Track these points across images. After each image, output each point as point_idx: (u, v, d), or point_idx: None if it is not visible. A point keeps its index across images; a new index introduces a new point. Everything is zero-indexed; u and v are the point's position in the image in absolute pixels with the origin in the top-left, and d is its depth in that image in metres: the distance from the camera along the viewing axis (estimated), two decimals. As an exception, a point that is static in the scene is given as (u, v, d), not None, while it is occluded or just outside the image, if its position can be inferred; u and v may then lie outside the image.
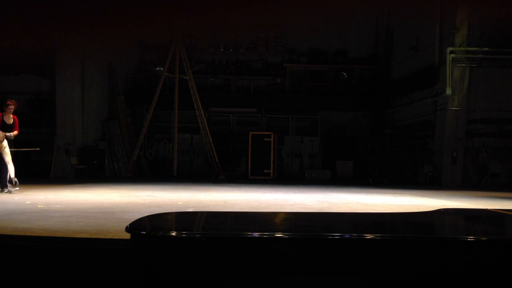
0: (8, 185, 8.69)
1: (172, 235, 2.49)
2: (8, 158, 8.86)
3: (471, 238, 2.47)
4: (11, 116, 9.24)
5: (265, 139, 17.76)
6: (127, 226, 2.55)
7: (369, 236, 2.46)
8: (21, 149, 9.88)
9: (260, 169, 17.44)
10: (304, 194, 9.27)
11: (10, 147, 9.13)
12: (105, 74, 18.18)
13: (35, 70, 15.98)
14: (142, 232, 2.57)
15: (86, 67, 16.42)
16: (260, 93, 19.95)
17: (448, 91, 14.42)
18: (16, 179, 8.65)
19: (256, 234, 2.46)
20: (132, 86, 19.79)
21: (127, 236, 2.49)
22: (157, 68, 18.68)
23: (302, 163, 19.93)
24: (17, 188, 8.57)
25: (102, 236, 3.51)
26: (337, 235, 2.47)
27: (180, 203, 6.93)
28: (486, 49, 14.34)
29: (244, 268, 2.35)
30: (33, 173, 15.08)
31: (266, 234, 2.51)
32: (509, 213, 4.03)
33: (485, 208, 6.35)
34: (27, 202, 6.47)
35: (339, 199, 8.22)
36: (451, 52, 14.43)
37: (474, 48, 14.46)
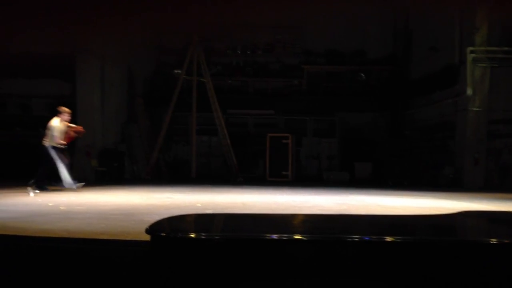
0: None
1: (192, 237, 2.50)
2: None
3: (493, 241, 2.43)
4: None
5: (283, 141, 17.73)
6: (146, 228, 2.57)
7: (389, 239, 2.43)
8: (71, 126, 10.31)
9: (278, 171, 17.41)
10: (322, 196, 9.22)
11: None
12: (124, 77, 18.37)
13: (56, 74, 16.25)
14: (162, 234, 2.58)
15: (106, 71, 16.62)
16: (277, 94, 19.94)
17: (469, 92, 14.21)
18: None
19: (274, 236, 2.46)
20: (151, 88, 19.96)
21: (147, 237, 2.51)
22: (175, 71, 18.80)
23: (320, 164, 19.83)
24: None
25: (123, 238, 3.56)
26: (356, 237, 2.45)
27: (199, 205, 6.97)
28: (507, 48, 14.09)
29: (262, 270, 2.35)
30: (54, 175, 15.29)
31: (284, 236, 2.50)
32: (532, 215, 3.94)
33: (508, 210, 6.24)
34: (49, 204, 6.58)
35: (358, 201, 8.16)
36: (472, 52, 14.21)
37: (495, 48, 14.22)
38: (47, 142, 9.69)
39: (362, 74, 19.79)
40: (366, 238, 2.44)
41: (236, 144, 17.97)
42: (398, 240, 2.42)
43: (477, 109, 14.31)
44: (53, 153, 9.61)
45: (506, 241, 2.47)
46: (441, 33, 16.25)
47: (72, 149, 15.74)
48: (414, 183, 15.59)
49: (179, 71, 17.66)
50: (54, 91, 16.40)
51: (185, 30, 15.30)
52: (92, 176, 15.24)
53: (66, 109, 10.12)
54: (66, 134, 9.94)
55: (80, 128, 10.36)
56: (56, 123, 9.81)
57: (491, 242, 2.41)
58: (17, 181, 11.35)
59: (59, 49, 14.71)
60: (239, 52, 20.67)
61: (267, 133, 18.12)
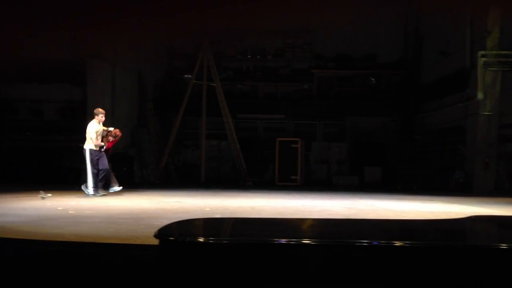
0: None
1: (200, 241, 2.50)
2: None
3: (503, 246, 2.40)
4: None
5: (292, 145, 17.69)
6: (155, 232, 2.58)
7: (398, 244, 2.42)
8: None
9: (287, 175, 17.37)
10: (332, 201, 9.19)
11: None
12: (135, 82, 18.49)
13: (67, 78, 16.39)
14: (171, 238, 2.59)
15: (117, 75, 16.75)
16: (287, 99, 19.94)
17: (480, 96, 14.10)
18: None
19: (283, 241, 2.46)
20: (161, 93, 20.06)
21: (156, 242, 2.52)
22: (185, 76, 18.88)
23: (329, 169, 19.77)
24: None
25: (132, 242, 3.57)
26: (365, 242, 2.44)
27: (208, 209, 6.98)
28: (518, 52, 13.97)
29: (271, 274, 2.35)
30: (65, 179, 15.41)
31: (293, 240, 2.50)
32: (544, 220, 3.90)
33: (519, 215, 6.17)
34: (59, 208, 6.63)
35: (367, 205, 8.12)
36: (483, 56, 14.10)
37: (506, 52, 14.11)
38: (85, 145, 9.68)
39: (373, 79, 19.72)
40: (375, 243, 2.43)
41: (245, 148, 17.97)
42: (408, 245, 2.41)
43: (488, 113, 14.19)
44: (88, 156, 9.53)
45: (516, 246, 2.44)
46: (452, 37, 16.16)
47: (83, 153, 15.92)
48: (424, 188, 15.48)
49: (189, 76, 17.72)
50: (65, 96, 16.55)
51: (196, 35, 15.36)
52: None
53: (101, 110, 10.02)
54: (106, 137, 9.92)
55: (116, 131, 10.18)
56: (92, 125, 9.72)
57: (501, 247, 2.39)
58: (28, 185, 11.45)
59: (70, 54, 14.85)
60: (249, 56, 20.72)
61: (277, 138, 18.10)
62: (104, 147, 9.84)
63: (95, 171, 9.51)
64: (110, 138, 10.05)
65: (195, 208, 7.14)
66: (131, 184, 15.63)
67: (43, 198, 8.41)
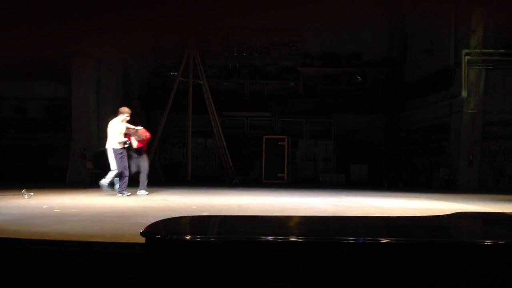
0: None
1: (187, 239, 2.49)
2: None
3: (488, 242, 2.43)
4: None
5: (279, 143, 17.74)
6: (141, 230, 2.56)
7: (384, 240, 2.44)
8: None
9: (274, 173, 17.41)
10: (318, 198, 9.23)
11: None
12: (120, 79, 18.35)
13: (51, 76, 16.20)
14: (157, 236, 2.58)
15: (102, 73, 16.59)
16: (274, 97, 19.96)
17: (464, 94, 14.27)
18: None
19: (270, 238, 2.46)
20: (147, 91, 19.94)
21: (142, 240, 2.50)
22: (171, 73, 18.80)
23: (316, 166, 19.86)
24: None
25: (117, 240, 3.54)
26: (351, 239, 2.46)
27: (195, 207, 6.96)
28: (502, 51, 14.16)
29: (258, 272, 2.35)
30: (49, 177, 15.26)
31: (280, 238, 2.50)
32: (527, 216, 3.96)
33: (502, 211, 6.26)
34: (44, 207, 6.55)
35: (354, 202, 8.17)
36: (467, 54, 14.28)
37: (490, 50, 14.29)
38: (107, 144, 9.32)
39: (358, 77, 19.84)
40: (361, 240, 2.44)
41: (232, 146, 17.96)
42: (393, 242, 2.43)
43: (472, 111, 14.37)
44: (112, 156, 9.16)
45: (500, 242, 2.47)
46: (436, 35, 16.32)
47: (67, 151, 15.77)
48: (410, 185, 15.63)
49: (175, 73, 17.65)
50: (50, 93, 16.36)
51: (182, 33, 15.28)
52: (87, 178, 15.19)
53: (126, 109, 9.63)
54: (138, 136, 9.56)
55: (142, 132, 9.66)
56: (115, 123, 9.36)
57: (486, 243, 2.42)
58: (12, 184, 11.31)
59: (54, 51, 14.68)
60: (236, 54, 20.69)
61: (263, 135, 18.13)
62: (132, 145, 9.50)
63: (121, 170, 9.14)
64: (136, 138, 9.61)
65: (181, 206, 7.12)
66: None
67: (25, 197, 8.27)
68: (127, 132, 9.50)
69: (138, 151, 9.74)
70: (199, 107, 17.23)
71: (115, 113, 18.36)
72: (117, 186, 9.25)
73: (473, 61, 14.29)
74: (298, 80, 20.23)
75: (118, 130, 9.28)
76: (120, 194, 9.05)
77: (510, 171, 14.49)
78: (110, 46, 15.63)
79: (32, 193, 8.28)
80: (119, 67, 18.08)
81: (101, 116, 16.61)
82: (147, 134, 9.82)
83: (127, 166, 9.31)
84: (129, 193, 9.15)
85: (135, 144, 9.60)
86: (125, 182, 9.22)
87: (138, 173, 9.75)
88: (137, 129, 9.62)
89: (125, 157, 9.32)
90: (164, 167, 19.01)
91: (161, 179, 17.78)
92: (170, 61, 19.89)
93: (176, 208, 6.59)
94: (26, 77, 16.08)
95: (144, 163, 9.74)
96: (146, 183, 9.62)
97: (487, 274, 2.29)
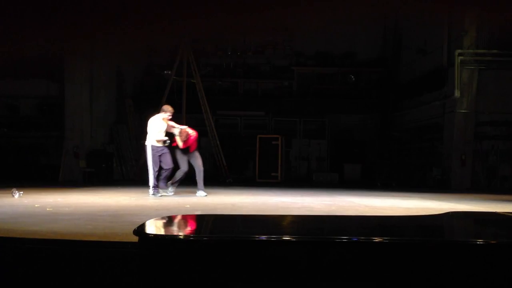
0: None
1: (180, 238, 2.49)
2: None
3: (480, 241, 2.45)
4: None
5: (273, 142, 17.74)
6: (135, 229, 2.55)
7: (377, 240, 2.45)
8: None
9: (267, 172, 17.42)
10: (312, 197, 9.24)
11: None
12: (113, 78, 18.29)
13: (44, 74, 16.14)
14: (150, 235, 2.57)
15: (95, 71, 16.54)
16: (268, 96, 19.97)
17: (457, 94, 14.34)
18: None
19: (263, 237, 2.46)
20: (140, 89, 19.88)
21: (135, 239, 2.49)
22: (165, 72, 18.74)
23: (309, 166, 19.89)
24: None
25: (111, 239, 3.53)
26: (345, 238, 2.46)
27: (188, 206, 6.95)
28: (495, 51, 14.25)
29: (251, 271, 2.35)
30: (42, 176, 15.19)
31: (273, 237, 2.50)
32: (519, 216, 3.99)
33: (494, 211, 6.30)
34: (36, 205, 6.52)
35: (347, 202, 8.19)
36: (460, 54, 14.35)
37: (483, 51, 14.37)
38: (146, 141, 8.99)
39: (352, 76, 19.89)
40: (355, 239, 2.45)
41: (226, 145, 17.95)
42: (386, 241, 2.44)
43: (465, 111, 14.45)
44: (149, 153, 8.82)
45: (492, 241, 2.49)
46: (430, 35, 16.39)
47: (60, 150, 15.70)
48: (403, 184, 15.69)
49: (169, 72, 17.60)
50: (42, 91, 16.30)
51: (176, 31, 15.25)
52: (80, 177, 15.14)
53: (170, 108, 9.26)
54: (181, 136, 9.00)
55: (184, 131, 9.05)
56: (155, 120, 9.00)
57: (478, 242, 2.43)
58: (4, 182, 11.24)
59: (47, 50, 14.59)
60: (230, 53, 20.66)
61: (257, 135, 18.12)
62: (178, 145, 9.05)
63: (156, 169, 8.79)
64: (178, 139, 9.06)
65: (175, 205, 7.11)
66: (110, 181, 15.49)
67: (14, 196, 8.15)
68: (169, 131, 9.10)
69: (186, 150, 9.20)
70: (193, 106, 17.20)
71: (108, 112, 18.36)
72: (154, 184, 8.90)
73: (466, 61, 14.38)
74: (292, 79, 20.25)
75: (157, 128, 8.89)
76: (152, 194, 8.75)
77: (502, 171, 14.60)
78: (103, 44, 15.56)
79: (21, 192, 8.19)
80: (112, 65, 18.01)
81: (94, 114, 16.56)
82: (191, 134, 9.15)
83: (170, 162, 8.93)
84: (161, 194, 8.73)
85: (180, 143, 9.05)
86: (162, 182, 8.90)
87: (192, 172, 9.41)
88: (180, 128, 9.13)
89: (166, 155, 8.93)
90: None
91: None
92: (163, 59, 19.82)
93: (170, 207, 6.58)
94: (18, 75, 16.00)
95: (196, 162, 9.29)
96: (161, 183, 9.11)
97: (479, 273, 2.30)
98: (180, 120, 17.52)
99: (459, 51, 14.36)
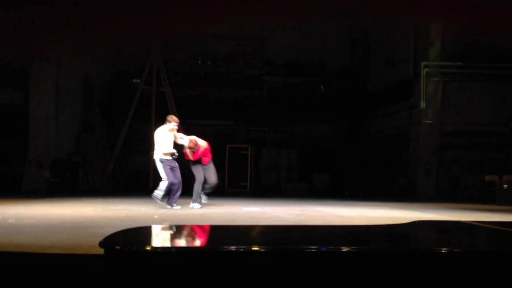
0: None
1: (148, 250, 2.45)
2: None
3: (444, 249, 2.50)
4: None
5: (242, 152, 17.74)
6: (100, 241, 2.49)
7: (345, 249, 2.46)
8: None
9: (237, 182, 17.38)
10: (281, 207, 9.26)
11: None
12: (80, 85, 17.94)
13: (7, 81, 15.71)
14: (117, 247, 2.52)
15: (61, 79, 16.19)
16: (238, 105, 19.99)
17: (422, 105, 14.69)
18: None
19: (232, 248, 2.44)
20: (108, 98, 19.58)
21: (101, 251, 2.43)
22: (134, 80, 18.54)
23: (279, 175, 19.95)
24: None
25: (75, 252, 3.44)
26: (314, 248, 2.47)
27: (156, 216, 6.85)
28: (459, 63, 14.68)
29: (221, 282, 2.32)
30: (4, 186, 14.72)
31: (242, 247, 2.49)
32: (481, 224, 4.10)
33: (458, 220, 6.45)
34: (-2, 217, 6.30)
35: (316, 211, 8.24)
36: (425, 66, 14.73)
37: (448, 63, 14.80)
38: (155, 155, 8.52)
39: (322, 86, 20.14)
40: (323, 249, 2.46)
41: (195, 154, 17.79)
42: (354, 250, 2.46)
43: (430, 121, 14.80)
44: (160, 167, 8.40)
45: (456, 250, 2.54)
46: (397, 47, 16.78)
47: (23, 159, 15.25)
48: (370, 193, 15.91)
49: (138, 81, 17.43)
50: (5, 99, 15.85)
51: (145, 39, 15.12)
52: (44, 187, 14.73)
53: (175, 118, 8.70)
54: (189, 148, 8.50)
55: (192, 141, 8.52)
56: (160, 132, 8.51)
57: (442, 251, 2.48)
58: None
59: (11, 56, 14.23)
60: (200, 62, 20.63)
61: (227, 144, 18.09)
62: (188, 157, 8.62)
63: (171, 180, 8.34)
64: (188, 151, 8.56)
65: (143, 215, 6.99)
66: (76, 191, 15.14)
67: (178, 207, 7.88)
68: (177, 142, 8.68)
69: (198, 162, 8.73)
70: (162, 115, 16.97)
71: (74, 121, 18.00)
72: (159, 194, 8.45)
73: (431, 73, 14.76)
74: (262, 89, 20.34)
75: (164, 140, 8.46)
76: (170, 206, 8.34)
77: (465, 180, 14.99)
78: (70, 51, 15.28)
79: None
80: (79, 73, 17.68)
81: (60, 123, 16.18)
82: (199, 143, 8.63)
83: (179, 176, 8.52)
84: (179, 206, 8.37)
85: (190, 155, 8.61)
86: (177, 193, 8.45)
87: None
88: (189, 139, 8.63)
89: (177, 168, 8.56)
90: (125, 176, 18.66)
91: (121, 188, 17.45)
92: (132, 67, 19.61)
93: (137, 218, 6.46)
94: (-20, 82, 15.55)
95: (209, 178, 8.80)
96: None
97: (443, 281, 2.34)
98: (149, 130, 17.38)
99: (424, 63, 14.74)
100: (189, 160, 8.82)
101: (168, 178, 8.33)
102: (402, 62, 16.27)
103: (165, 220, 6.28)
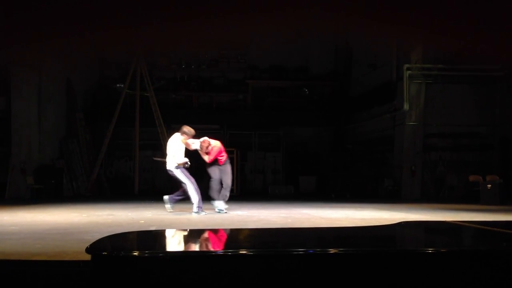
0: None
1: (134, 255, 2.43)
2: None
3: (430, 250, 2.53)
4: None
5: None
6: (87, 247, 2.47)
7: (332, 251, 2.48)
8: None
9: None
10: (268, 210, 9.26)
11: None
12: (63, 91, 17.74)
13: (-12, 87, 15.47)
14: (103, 253, 2.50)
15: (43, 84, 15.99)
16: (222, 109, 19.97)
17: (406, 107, 14.85)
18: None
19: (220, 252, 2.44)
20: (92, 103, 19.40)
21: (87, 257, 2.41)
22: (118, 85, 18.42)
23: (265, 179, 19.96)
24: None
25: (60, 258, 3.40)
26: (301, 250, 2.48)
27: (142, 221, 6.80)
28: (441, 66, 14.88)
29: (208, 286, 2.32)
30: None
31: (230, 251, 2.49)
32: (466, 224, 4.15)
33: (443, 220, 6.53)
34: (-20, 225, 6.20)
35: (303, 214, 8.26)
36: (408, 69, 14.90)
37: (430, 65, 14.98)
38: (169, 165, 8.52)
39: (306, 90, 20.23)
40: (311, 251, 2.47)
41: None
42: (341, 252, 2.47)
43: (414, 123, 14.96)
44: (179, 174, 8.37)
45: (442, 250, 2.57)
46: (379, 50, 16.92)
47: (6, 166, 15.03)
48: (356, 195, 16.00)
49: (122, 85, 17.31)
50: (-14, 105, 15.59)
51: (129, 44, 15.04)
52: (27, 194, 14.53)
53: (192, 131, 8.60)
54: (202, 150, 8.49)
55: (203, 143, 8.51)
56: (172, 141, 8.51)
57: (428, 251, 2.51)
58: None
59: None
60: (184, 66, 20.58)
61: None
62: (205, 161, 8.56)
63: (191, 182, 8.34)
64: (203, 154, 8.54)
65: (129, 221, 6.94)
66: (60, 197, 14.96)
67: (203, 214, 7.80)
68: (189, 149, 8.63)
69: (215, 163, 8.69)
70: (146, 120, 16.95)
71: (57, 126, 17.80)
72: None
73: (414, 76, 14.93)
74: (247, 92, 20.36)
75: (176, 149, 8.43)
76: (169, 206, 8.48)
77: (450, 181, 15.17)
78: (52, 56, 15.10)
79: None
80: (62, 78, 17.49)
81: (43, 129, 15.98)
82: (212, 143, 8.59)
83: (194, 186, 8.45)
84: (205, 212, 8.19)
85: (206, 158, 8.58)
86: (181, 196, 8.53)
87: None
88: (200, 141, 8.59)
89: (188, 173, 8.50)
90: (110, 181, 18.49)
91: (107, 193, 17.29)
92: (116, 72, 19.48)
93: (123, 223, 6.41)
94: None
95: (224, 179, 8.75)
96: (226, 198, 8.71)
97: (430, 281, 2.37)
98: (133, 134, 17.26)
99: (407, 65, 14.91)
100: (206, 166, 8.79)
101: (190, 179, 8.40)
102: (385, 65, 16.43)
103: (151, 225, 6.24)
